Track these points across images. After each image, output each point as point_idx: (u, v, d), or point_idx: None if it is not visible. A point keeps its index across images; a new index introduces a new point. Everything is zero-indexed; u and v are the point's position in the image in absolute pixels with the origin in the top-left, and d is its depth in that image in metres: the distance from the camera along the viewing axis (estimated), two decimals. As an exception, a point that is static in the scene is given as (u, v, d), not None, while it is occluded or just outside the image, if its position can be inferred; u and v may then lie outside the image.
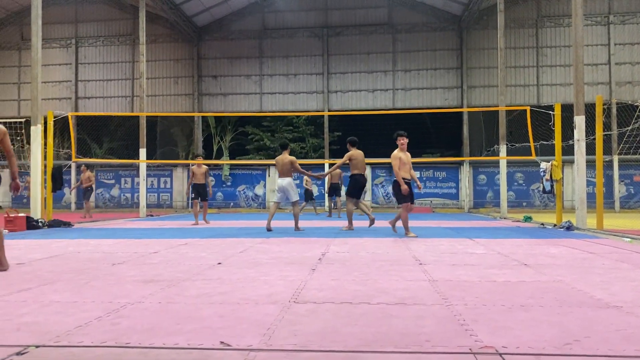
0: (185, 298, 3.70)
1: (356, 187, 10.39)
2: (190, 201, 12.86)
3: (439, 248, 6.98)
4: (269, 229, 10.05)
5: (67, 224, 12.37)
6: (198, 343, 2.58)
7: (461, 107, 23.21)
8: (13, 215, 11.02)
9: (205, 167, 13.00)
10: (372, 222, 10.63)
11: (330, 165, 21.33)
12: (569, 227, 10.42)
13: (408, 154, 8.78)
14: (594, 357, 2.37)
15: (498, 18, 18.00)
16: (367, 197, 22.71)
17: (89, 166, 17.72)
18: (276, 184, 10.45)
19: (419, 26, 23.88)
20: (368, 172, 23.20)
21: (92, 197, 17.45)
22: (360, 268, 5.10)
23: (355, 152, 10.35)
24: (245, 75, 24.71)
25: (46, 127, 13.22)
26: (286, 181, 10.24)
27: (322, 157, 24.05)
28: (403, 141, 8.65)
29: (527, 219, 13.73)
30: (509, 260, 5.70)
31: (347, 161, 10.34)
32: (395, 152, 8.66)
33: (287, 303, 3.51)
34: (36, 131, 12.51)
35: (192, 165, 12.87)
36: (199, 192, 12.72)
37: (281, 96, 24.47)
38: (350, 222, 10.33)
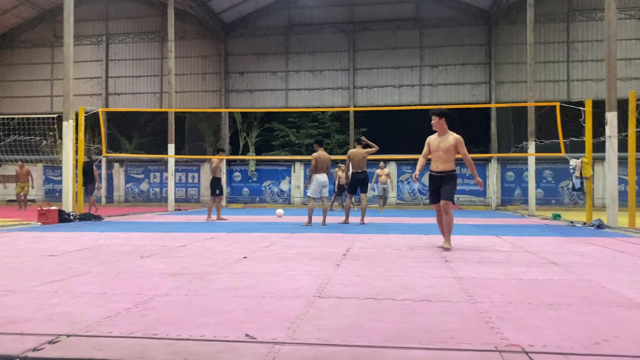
0: (211, 291, 3.76)
1: (350, 184, 11.26)
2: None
3: (465, 245, 6.92)
4: (309, 224, 10.55)
5: (98, 218, 12.63)
6: (224, 335, 2.62)
7: (489, 103, 22.85)
8: (46, 208, 11.31)
9: (217, 161, 12.77)
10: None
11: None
12: (600, 226, 10.20)
13: (447, 137, 6.48)
14: (624, 358, 2.33)
15: (527, 12, 17.67)
16: (391, 194, 22.63)
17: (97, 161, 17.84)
18: (315, 180, 10.58)
19: (446, 21, 23.59)
20: (394, 169, 23.13)
21: (98, 192, 17.58)
22: (384, 264, 5.10)
23: (352, 151, 11.27)
24: (271, 72, 24.78)
25: (77, 123, 13.50)
26: (325, 177, 10.71)
27: (347, 153, 24.01)
28: (433, 122, 6.55)
29: (556, 216, 13.49)
30: (536, 258, 5.62)
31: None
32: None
33: (312, 297, 3.53)
34: (68, 127, 12.80)
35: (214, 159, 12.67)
36: (220, 186, 12.64)
37: (307, 92, 24.48)
38: (346, 216, 11.18)
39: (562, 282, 4.14)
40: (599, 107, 12.40)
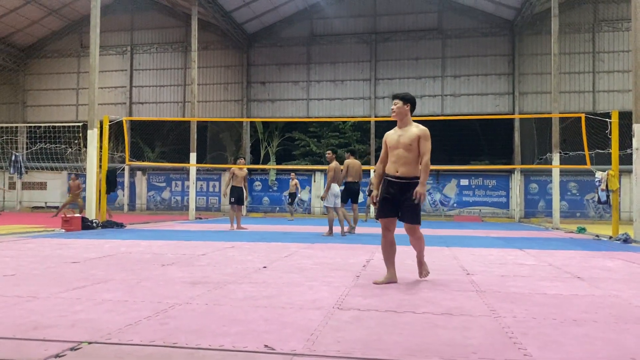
0: (231, 300, 3.76)
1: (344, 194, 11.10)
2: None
3: (488, 258, 6.82)
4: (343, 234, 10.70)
5: (120, 225, 12.78)
6: (243, 346, 2.61)
7: (512, 113, 22.63)
8: (70, 215, 11.49)
9: (246, 170, 13.00)
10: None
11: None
12: (626, 240, 9.98)
13: (409, 129, 4.78)
14: (653, 378, 2.26)
15: (552, 23, 17.49)
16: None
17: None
18: (332, 190, 10.67)
19: (469, 31, 23.48)
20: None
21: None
22: (405, 276, 5.05)
23: (350, 162, 11.20)
24: (292, 82, 24.93)
25: (102, 131, 13.72)
26: (338, 188, 10.82)
27: (368, 163, 23.96)
28: (394, 107, 4.85)
29: (581, 230, 13.24)
30: (561, 272, 5.51)
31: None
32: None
33: (331, 309, 3.51)
34: (92, 135, 13.02)
35: (236, 168, 12.79)
36: (240, 195, 12.70)
37: (328, 102, 24.55)
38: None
39: (588, 298, 4.05)
40: (626, 119, 12.18)
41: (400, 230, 4.77)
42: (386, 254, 4.84)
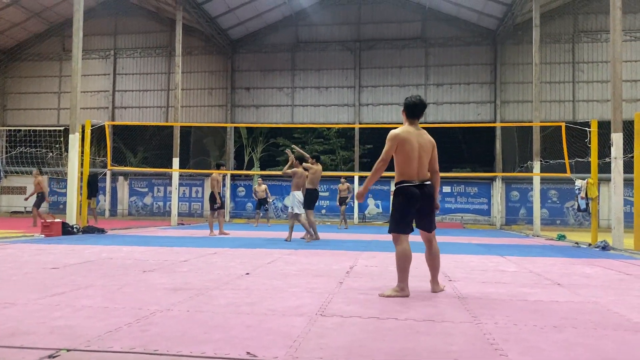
0: (213, 307, 3.73)
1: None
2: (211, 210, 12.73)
3: (469, 265, 6.87)
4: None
5: (101, 231, 12.62)
6: (225, 353, 2.59)
7: (494, 122, 22.89)
8: (50, 220, 11.32)
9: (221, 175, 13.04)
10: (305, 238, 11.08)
11: (361, 177, 21.30)
12: (605, 247, 10.12)
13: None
14: (631, 383, 2.29)
15: (533, 33, 17.77)
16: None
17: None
18: (298, 197, 10.89)
19: (452, 40, 23.73)
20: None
21: (44, 204, 16.44)
22: (388, 282, 5.06)
23: (317, 167, 11.23)
24: (277, 88, 24.93)
25: (84, 136, 13.56)
26: (301, 194, 10.98)
27: (352, 169, 24.04)
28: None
29: (561, 237, 13.41)
30: (541, 279, 5.57)
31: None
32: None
33: (314, 316, 3.50)
34: (74, 139, 12.86)
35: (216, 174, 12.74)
36: (222, 200, 12.73)
37: (312, 108, 24.59)
38: (312, 233, 10.96)
39: (568, 304, 4.09)
40: (605, 128, 12.40)
41: (386, 236, 4.78)
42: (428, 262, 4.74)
